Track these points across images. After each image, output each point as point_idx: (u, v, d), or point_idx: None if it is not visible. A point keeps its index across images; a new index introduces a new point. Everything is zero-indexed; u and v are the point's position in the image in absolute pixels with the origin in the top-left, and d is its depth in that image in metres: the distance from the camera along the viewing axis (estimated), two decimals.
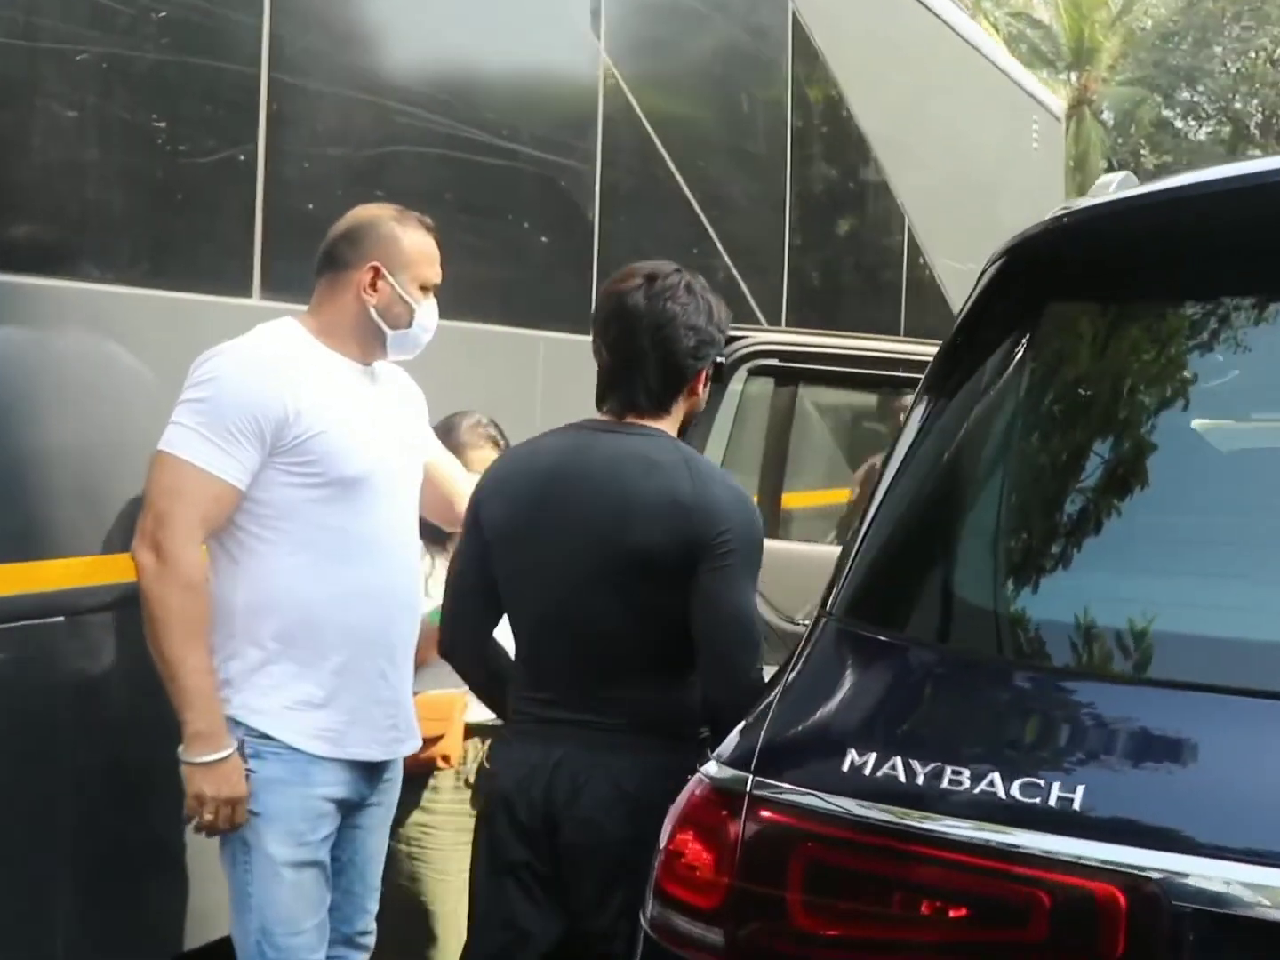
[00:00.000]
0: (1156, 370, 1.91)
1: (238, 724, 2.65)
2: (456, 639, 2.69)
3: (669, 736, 2.50)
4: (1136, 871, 1.53)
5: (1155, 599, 1.74)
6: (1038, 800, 1.57)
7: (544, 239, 4.60)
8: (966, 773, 1.60)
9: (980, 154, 8.35)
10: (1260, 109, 28.97)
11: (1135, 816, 1.58)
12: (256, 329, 2.77)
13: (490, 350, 4.25)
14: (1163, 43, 28.89)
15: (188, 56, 3.29)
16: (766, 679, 2.31)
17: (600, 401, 2.62)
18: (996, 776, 1.59)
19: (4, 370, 2.90)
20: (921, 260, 7.53)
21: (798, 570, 2.59)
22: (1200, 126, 30.36)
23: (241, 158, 3.41)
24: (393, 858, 3.15)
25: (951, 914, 1.59)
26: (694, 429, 2.84)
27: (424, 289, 2.82)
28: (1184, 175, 2.02)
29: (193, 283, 3.34)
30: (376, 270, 2.76)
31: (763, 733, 1.75)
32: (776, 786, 1.69)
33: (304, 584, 2.67)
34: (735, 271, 5.61)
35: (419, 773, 3.20)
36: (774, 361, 4.19)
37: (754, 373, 4.17)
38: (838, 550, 3.23)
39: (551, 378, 4.60)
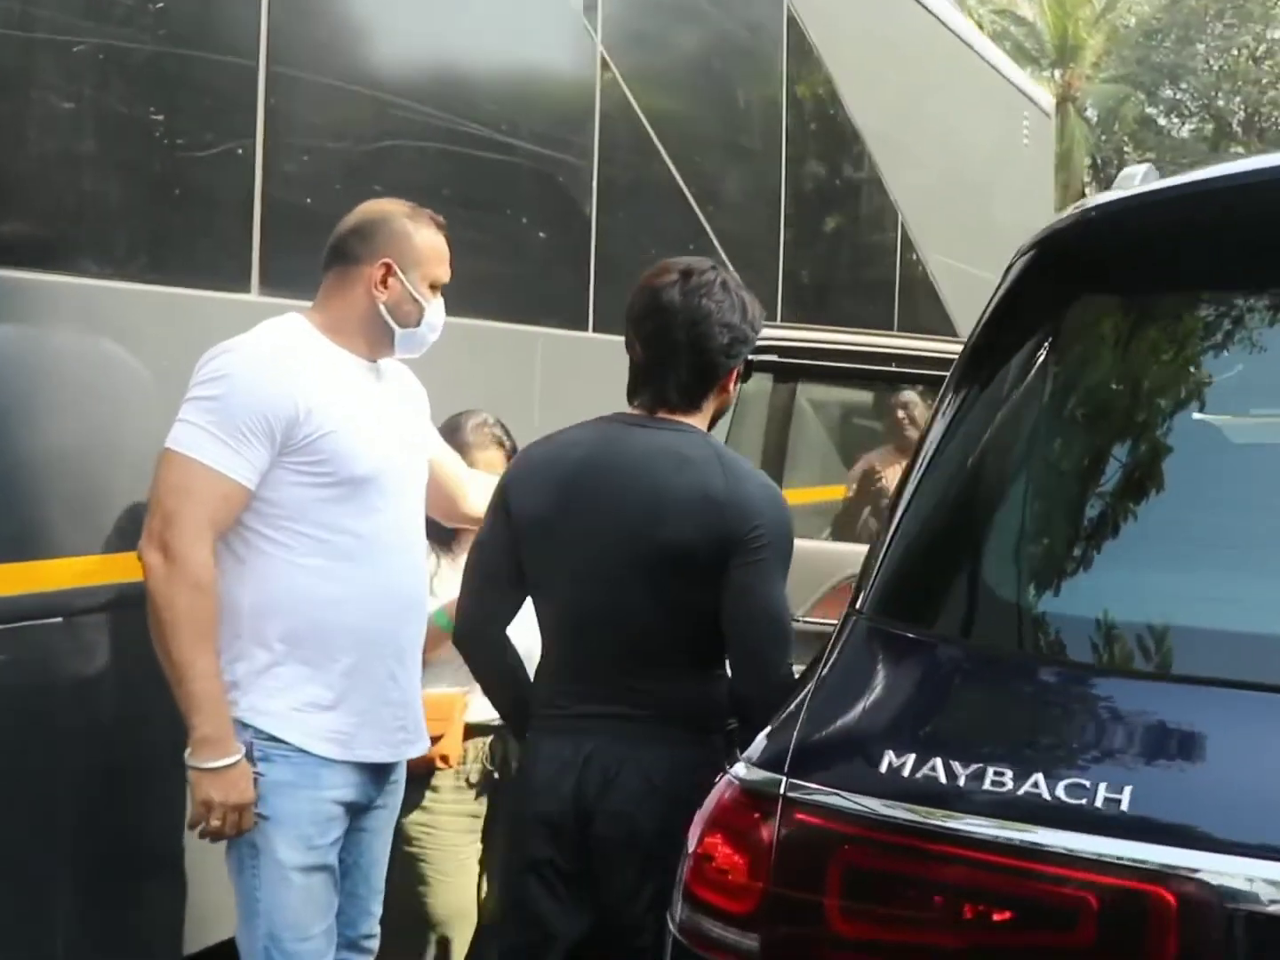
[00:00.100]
0: (1185, 365, 1.89)
1: (245, 726, 2.60)
2: (475, 627, 2.68)
3: (698, 729, 2.51)
4: (1188, 874, 1.50)
5: (1190, 595, 1.71)
6: (1084, 801, 1.54)
7: (541, 234, 4.56)
8: (1009, 774, 1.57)
9: (972, 150, 8.34)
10: (1243, 106, 29.07)
11: (1185, 817, 1.56)
12: (262, 324, 2.72)
13: (488, 347, 4.21)
14: (1146, 40, 28.96)
15: (185, 49, 3.25)
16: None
17: (632, 396, 2.62)
18: (1040, 777, 1.56)
19: None
20: (914, 256, 7.51)
21: (797, 567, 2.57)
22: (1183, 124, 30.46)
23: (240, 151, 3.37)
24: (392, 858, 3.12)
25: (996, 918, 1.56)
26: None
27: (433, 288, 2.78)
28: (1212, 168, 2.00)
29: (190, 278, 3.30)
30: (388, 267, 2.72)
31: (795, 734, 1.72)
32: (811, 788, 1.66)
33: (312, 585, 2.62)
34: (731, 267, 5.56)
35: (419, 773, 3.17)
36: (772, 357, 4.15)
37: (751, 369, 4.13)
38: (835, 547, 3.20)
39: (550, 374, 4.57)
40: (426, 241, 2.76)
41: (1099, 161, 29.76)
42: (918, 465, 1.90)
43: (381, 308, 2.72)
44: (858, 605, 1.83)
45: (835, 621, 1.86)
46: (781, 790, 1.67)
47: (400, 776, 2.92)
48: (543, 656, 2.66)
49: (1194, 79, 28.96)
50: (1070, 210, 2.04)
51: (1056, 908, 1.55)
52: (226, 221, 3.41)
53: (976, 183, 8.46)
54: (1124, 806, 1.54)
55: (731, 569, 2.44)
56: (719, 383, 2.59)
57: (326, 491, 2.62)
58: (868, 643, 1.83)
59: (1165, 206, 1.96)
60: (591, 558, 2.51)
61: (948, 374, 3.97)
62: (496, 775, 3.33)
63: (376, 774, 2.78)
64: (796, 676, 2.03)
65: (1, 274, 2.84)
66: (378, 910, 2.92)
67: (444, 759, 3.23)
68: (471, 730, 3.28)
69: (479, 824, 3.34)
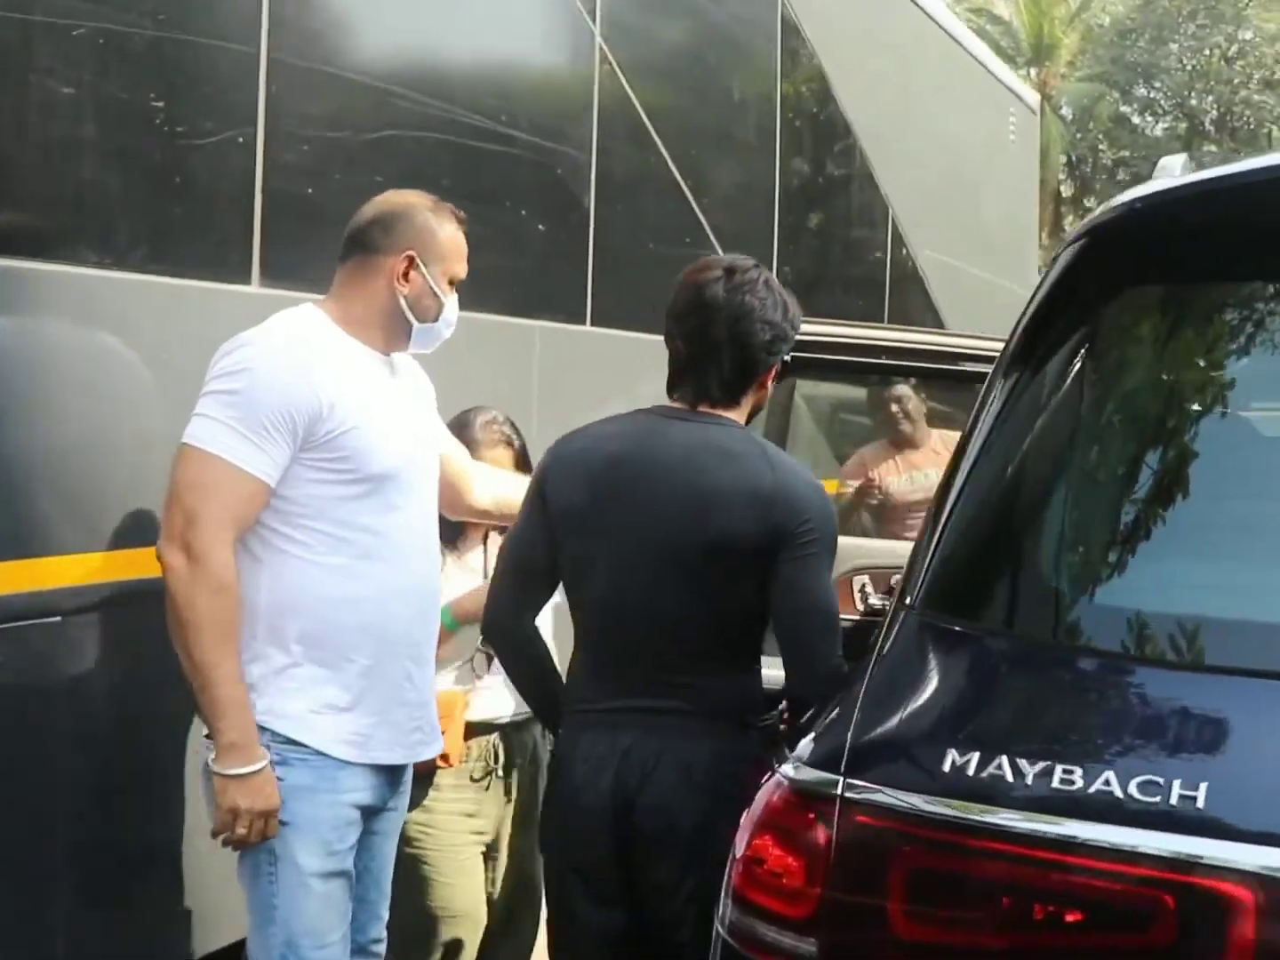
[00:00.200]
0: (1236, 358, 1.85)
1: (262, 729, 2.53)
2: (504, 618, 2.68)
3: (735, 723, 2.52)
4: (1267, 872, 1.46)
5: (1261, 588, 1.67)
6: (1158, 799, 1.51)
7: (540, 227, 4.51)
8: (1079, 771, 1.53)
9: (961, 146, 8.34)
10: (1215, 105, 29.21)
11: (1263, 814, 1.51)
12: (277, 316, 2.64)
13: (486, 340, 4.16)
14: (1120, 40, 29.08)
15: (185, 35, 3.18)
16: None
17: (671, 389, 2.63)
18: (1112, 775, 1.53)
19: None
20: (905, 251, 7.50)
21: None
22: (1157, 122, 30.58)
23: (240, 140, 3.31)
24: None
25: (1068, 919, 1.52)
26: None
27: (451, 284, 2.73)
28: (1257, 159, 1.97)
29: (190, 269, 3.24)
30: (411, 260, 2.66)
31: (850, 732, 1.67)
32: (871, 789, 1.62)
33: (331, 584, 2.55)
34: None
35: (421, 772, 3.11)
36: None
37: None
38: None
39: (547, 368, 4.52)
40: (449, 236, 2.71)
41: (1074, 159, 29.88)
42: (966, 458, 1.86)
43: (402, 301, 2.66)
44: (906, 600, 1.78)
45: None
46: (839, 791, 1.63)
47: (409, 778, 2.87)
48: (576, 650, 2.64)
49: (1167, 78, 29.08)
50: (1115, 201, 2.01)
51: (1131, 908, 1.52)
52: (227, 211, 3.35)
53: (965, 179, 8.46)
54: (1200, 804, 1.50)
55: (780, 563, 2.45)
56: (759, 379, 2.61)
57: (347, 489, 2.55)
58: (920, 637, 1.79)
59: (1212, 197, 1.94)
60: (630, 550, 2.50)
61: (941, 366, 3.94)
62: (499, 774, 3.28)
63: (391, 776, 2.72)
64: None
65: None
66: (385, 914, 2.87)
67: (444, 758, 3.18)
68: (473, 729, 3.24)
69: (481, 823, 3.28)
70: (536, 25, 4.57)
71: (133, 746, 3.13)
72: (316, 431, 2.51)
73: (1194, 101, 29.18)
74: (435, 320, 2.72)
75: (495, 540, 3.37)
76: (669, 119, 5.13)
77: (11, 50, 2.80)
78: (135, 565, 3.09)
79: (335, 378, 2.56)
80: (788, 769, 1.72)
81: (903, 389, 5.85)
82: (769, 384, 2.65)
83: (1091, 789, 1.53)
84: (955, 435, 6.29)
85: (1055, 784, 1.54)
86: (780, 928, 1.65)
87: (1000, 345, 4.09)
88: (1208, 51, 28.38)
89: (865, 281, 7.38)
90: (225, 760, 2.47)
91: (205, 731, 2.59)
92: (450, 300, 2.73)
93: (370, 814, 2.68)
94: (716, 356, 2.55)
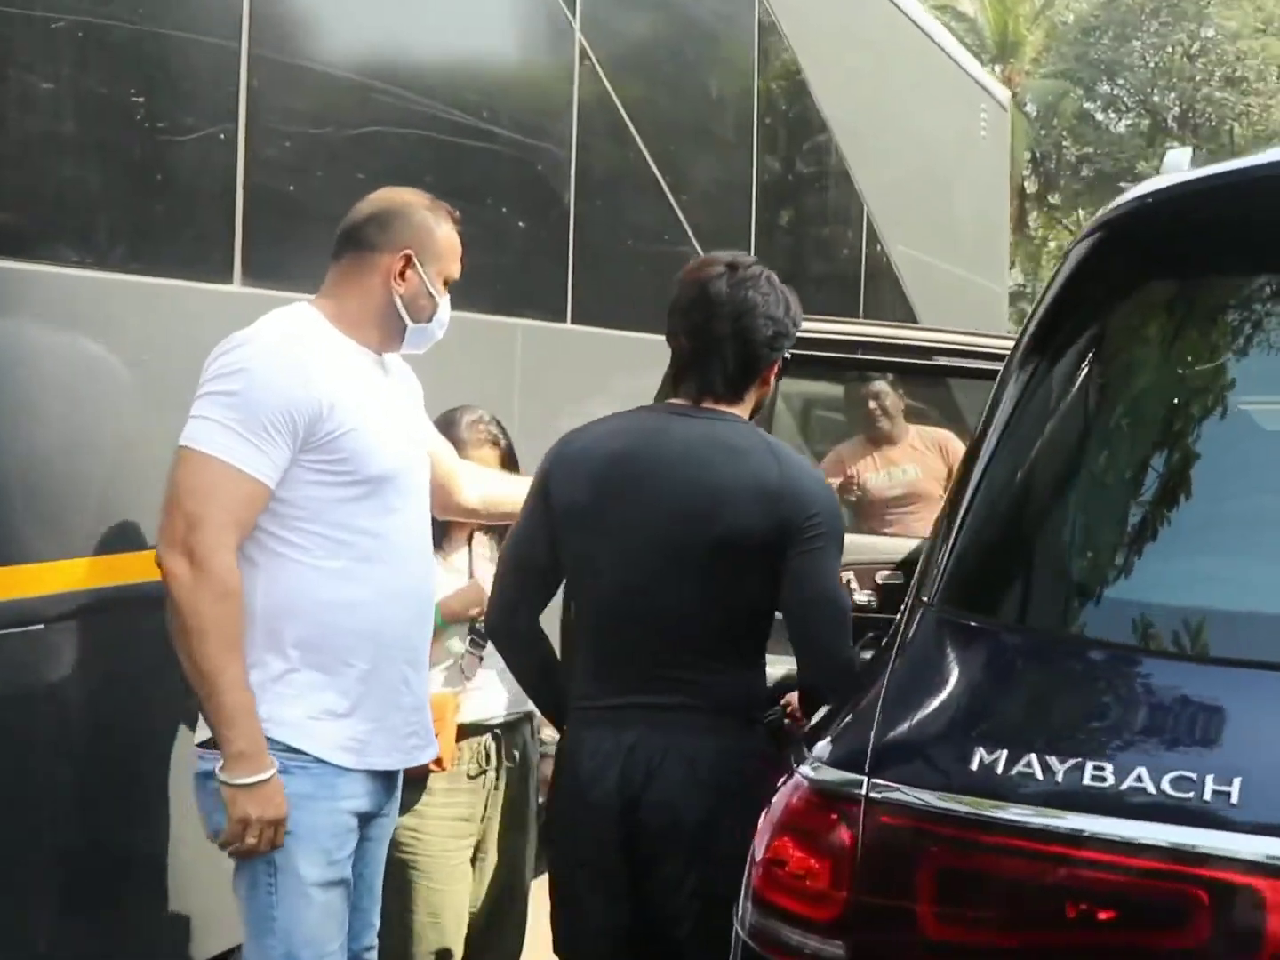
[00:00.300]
0: (1251, 351, 1.84)
1: None
2: (507, 617, 2.68)
3: (740, 719, 2.53)
4: None
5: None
6: (1192, 795, 1.49)
7: (521, 224, 4.47)
8: (1110, 768, 1.52)
9: (933, 143, 8.35)
10: (1177, 102, 29.36)
11: None
12: (270, 315, 2.59)
13: (470, 339, 4.12)
14: (1084, 37, 29.19)
15: (166, 30, 3.14)
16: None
17: (675, 385, 2.63)
18: (1144, 771, 1.51)
19: None
20: (879, 247, 7.50)
21: None
22: (1120, 119, 30.71)
23: (221, 136, 3.26)
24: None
25: (1100, 917, 1.49)
26: None
27: (446, 284, 2.70)
28: (1270, 152, 1.96)
29: (171, 268, 3.19)
30: (408, 259, 2.62)
31: (873, 731, 1.65)
32: (897, 789, 1.59)
33: (329, 588, 2.50)
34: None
35: (413, 776, 3.07)
36: None
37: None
38: None
39: (529, 366, 4.48)
40: (446, 236, 2.68)
41: (1038, 156, 29.98)
42: (982, 454, 1.84)
43: (398, 300, 2.62)
44: (924, 597, 1.75)
45: None
46: (864, 791, 1.61)
47: (400, 782, 2.83)
48: (579, 648, 2.65)
49: (1130, 75, 29.21)
50: (1127, 196, 1.99)
51: (1165, 905, 1.50)
52: (208, 209, 3.30)
53: (937, 175, 8.47)
54: (1235, 800, 1.48)
55: (789, 557, 2.45)
56: (761, 375, 2.61)
57: (345, 491, 2.50)
58: (940, 635, 1.77)
59: (1224, 192, 1.93)
60: (636, 547, 2.51)
61: (948, 363, 3.91)
62: (493, 775, 3.25)
63: (387, 781, 2.68)
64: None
65: None
66: (377, 921, 2.83)
67: (437, 762, 3.14)
68: (464, 730, 3.20)
69: (473, 827, 3.25)
70: (518, 21, 4.55)
71: (117, 754, 3.08)
72: (316, 432, 2.46)
73: (1157, 98, 29.31)
74: (429, 321, 2.68)
75: (480, 540, 3.34)
76: (648, 115, 5.11)
77: None
78: (118, 571, 3.05)
79: (333, 378, 2.51)
80: (807, 769, 1.69)
81: (881, 385, 5.84)
82: (771, 380, 2.66)
83: (1124, 785, 1.51)
84: (933, 431, 6.34)
85: (1086, 781, 1.52)
86: (805, 930, 1.62)
87: (999, 341, 4.14)
88: (1170, 49, 28.52)
89: (840, 277, 7.37)
90: (234, 769, 2.41)
91: (198, 740, 2.54)
92: (444, 301, 2.70)
93: (365, 820, 2.64)
94: (720, 352, 2.55)
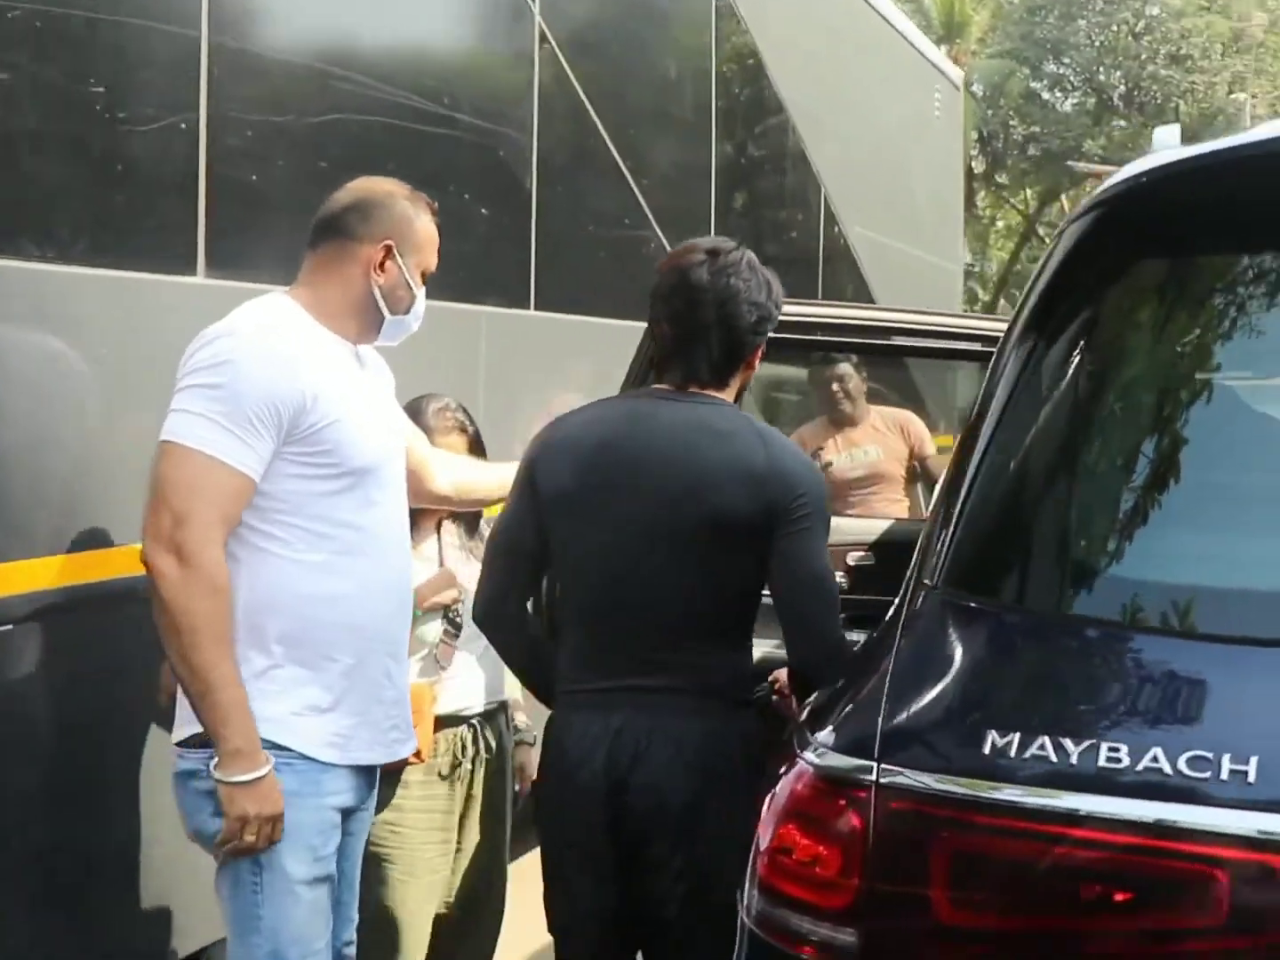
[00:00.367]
0: (1248, 329, 1.84)
1: None
2: (496, 605, 2.70)
3: (726, 701, 2.55)
4: None
5: None
6: (1209, 775, 1.48)
7: (484, 210, 4.44)
8: (1125, 749, 1.51)
9: (889, 123, 8.36)
10: (1123, 80, 29.48)
11: None
12: (248, 306, 2.55)
13: (433, 326, 4.08)
14: (1029, 16, 29.24)
15: (125, 18, 3.08)
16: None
17: (660, 372, 2.65)
18: (1160, 752, 1.50)
19: None
20: (836, 228, 7.50)
21: None
22: (1066, 98, 30.84)
23: (183, 126, 3.21)
24: None
25: (1119, 898, 1.49)
26: None
27: (423, 276, 2.67)
28: (1265, 128, 1.96)
29: (133, 260, 3.14)
30: (389, 249, 2.58)
31: (881, 716, 1.63)
32: (909, 774, 1.58)
33: (312, 582, 2.47)
34: (665, 241, 5.50)
35: (387, 769, 3.04)
36: None
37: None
38: None
39: (494, 353, 4.45)
40: (426, 228, 2.65)
41: (985, 135, 30.08)
42: (981, 434, 1.83)
43: (376, 291, 2.59)
44: (925, 580, 1.74)
45: None
46: (874, 777, 1.59)
47: (378, 776, 2.80)
48: (567, 633, 2.66)
49: (1076, 54, 29.29)
50: (1120, 176, 1.99)
51: (1184, 885, 1.50)
52: (169, 200, 3.25)
53: (893, 156, 8.47)
54: (1251, 779, 1.48)
55: (777, 538, 2.47)
56: (746, 360, 2.63)
57: (328, 484, 2.47)
58: (945, 617, 1.76)
59: (1219, 170, 1.93)
60: (623, 531, 2.52)
61: (927, 344, 3.90)
62: (469, 767, 3.23)
63: (368, 776, 2.66)
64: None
65: None
66: (356, 916, 2.81)
67: (415, 754, 3.11)
68: (441, 722, 3.17)
69: (450, 820, 3.23)
70: (478, 4, 4.50)
71: (84, 754, 3.04)
72: (300, 424, 2.43)
73: (1102, 77, 29.43)
74: (406, 313, 2.65)
75: (449, 529, 3.32)
76: (607, 99, 5.08)
77: None
78: (85, 569, 3.01)
79: (316, 369, 2.48)
80: (811, 756, 1.68)
81: (844, 367, 5.83)
82: (755, 364, 2.67)
83: (1140, 766, 1.51)
84: (893, 412, 6.34)
85: (1102, 763, 1.52)
86: (815, 919, 1.61)
87: (967, 322, 4.14)
88: (1115, 27, 28.62)
89: (799, 259, 7.36)
90: (231, 767, 2.38)
91: (176, 738, 2.51)
92: (421, 293, 2.67)
93: (346, 815, 2.61)
94: (705, 339, 2.56)
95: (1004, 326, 3.74)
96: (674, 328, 2.58)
